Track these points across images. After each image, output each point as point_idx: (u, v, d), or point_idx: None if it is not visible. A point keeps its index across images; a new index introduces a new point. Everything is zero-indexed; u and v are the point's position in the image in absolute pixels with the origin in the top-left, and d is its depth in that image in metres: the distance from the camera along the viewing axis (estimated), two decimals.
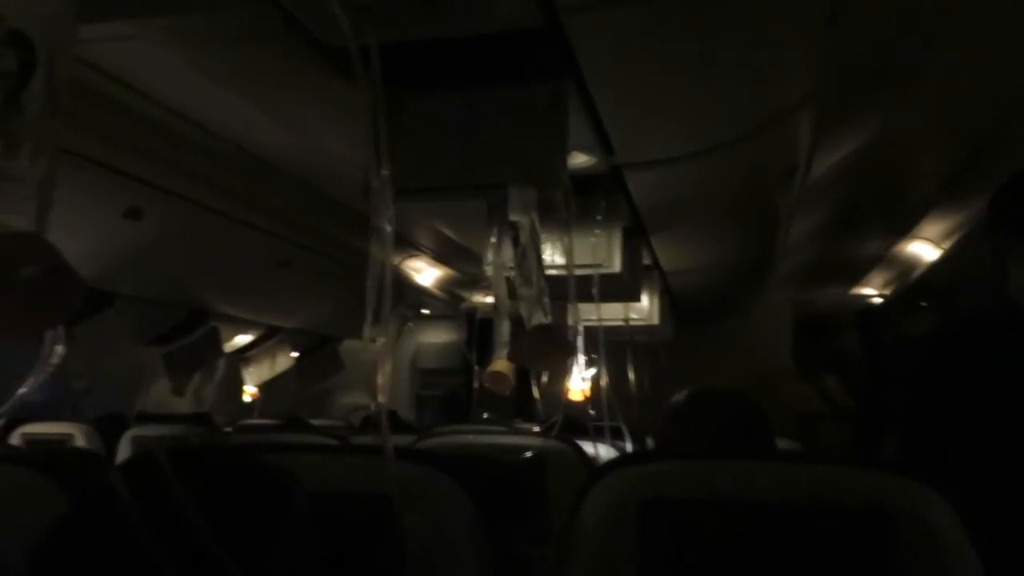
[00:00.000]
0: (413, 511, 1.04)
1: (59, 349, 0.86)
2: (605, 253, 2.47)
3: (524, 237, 1.56)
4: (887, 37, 1.97)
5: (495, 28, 1.41)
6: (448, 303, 5.11)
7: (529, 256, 1.56)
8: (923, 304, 5.81)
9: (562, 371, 2.07)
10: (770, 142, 2.16)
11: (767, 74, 1.75)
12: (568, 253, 1.77)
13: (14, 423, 3.34)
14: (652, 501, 1.17)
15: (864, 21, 1.75)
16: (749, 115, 1.96)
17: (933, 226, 4.16)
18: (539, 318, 1.57)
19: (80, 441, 3.33)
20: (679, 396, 1.62)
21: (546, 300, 1.59)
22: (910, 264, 4.95)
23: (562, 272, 2.43)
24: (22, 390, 0.88)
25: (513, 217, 1.56)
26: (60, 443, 3.27)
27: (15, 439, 3.33)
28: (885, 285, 5.84)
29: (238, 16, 1.36)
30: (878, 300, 6.16)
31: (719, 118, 1.95)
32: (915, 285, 5.20)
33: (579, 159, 2.06)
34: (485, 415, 2.71)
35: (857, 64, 1.99)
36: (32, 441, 3.33)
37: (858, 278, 5.75)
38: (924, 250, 4.59)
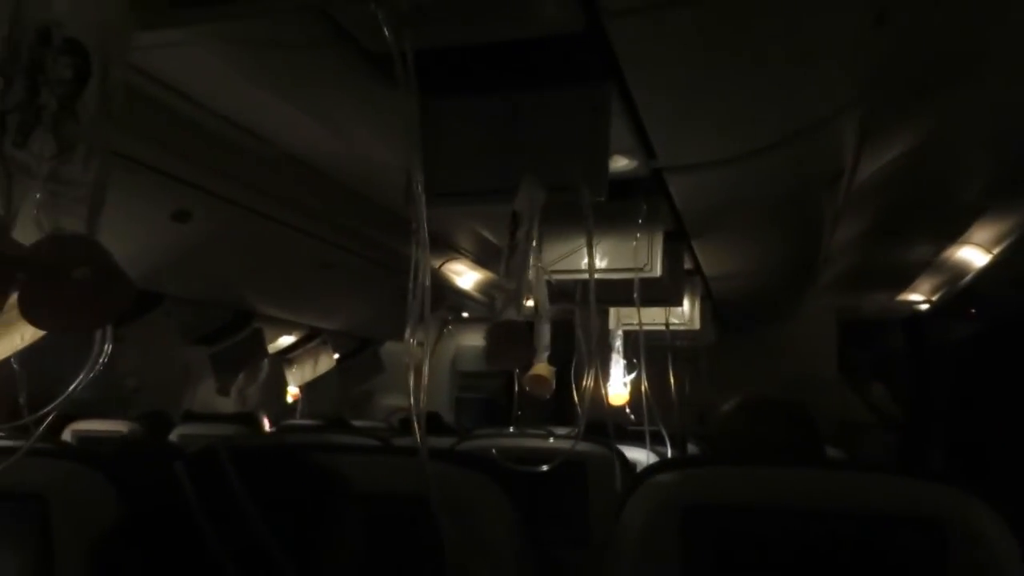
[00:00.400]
0: (453, 513, 1.05)
1: (107, 348, 0.88)
2: (646, 257, 2.45)
3: (521, 233, 1.54)
4: (937, 37, 1.93)
5: (538, 32, 1.41)
6: (488, 306, 5.11)
7: (519, 252, 1.54)
8: (972, 311, 5.68)
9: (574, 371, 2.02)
10: (815, 146, 2.13)
11: (812, 77, 1.72)
12: (589, 256, 1.77)
13: (65, 420, 3.43)
14: (695, 507, 1.16)
15: (913, 21, 1.71)
16: (794, 118, 1.93)
17: (983, 231, 4.07)
18: (511, 314, 1.54)
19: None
20: (731, 403, 1.61)
21: (524, 300, 1.56)
22: (959, 270, 4.84)
23: (603, 276, 2.43)
24: (72, 387, 0.91)
25: (516, 208, 1.54)
26: (110, 440, 3.35)
27: (66, 435, 3.42)
28: (933, 291, 5.72)
29: (286, 23, 1.38)
30: (926, 307, 6.04)
31: (763, 121, 1.93)
32: (964, 291, 5.09)
33: (620, 162, 2.05)
34: (511, 427, 2.71)
35: (905, 65, 1.96)
36: (83, 438, 3.42)
37: (905, 284, 5.64)
38: (974, 255, 4.49)
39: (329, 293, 3.91)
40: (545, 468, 1.63)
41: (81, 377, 0.88)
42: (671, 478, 1.23)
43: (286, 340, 4.79)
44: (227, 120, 2.07)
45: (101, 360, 0.88)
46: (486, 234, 3.16)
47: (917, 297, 5.94)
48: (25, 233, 0.78)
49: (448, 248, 3.66)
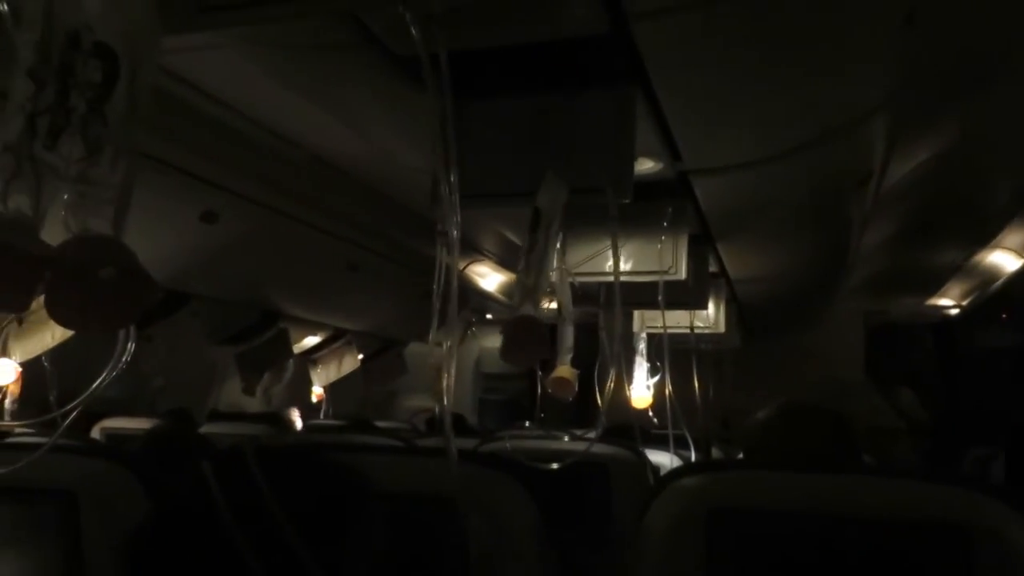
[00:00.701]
0: (477, 513, 1.05)
1: (130, 347, 0.89)
2: (671, 260, 2.44)
3: (541, 229, 1.53)
4: (967, 37, 1.91)
5: (563, 35, 1.41)
6: (512, 308, 5.10)
7: (537, 247, 1.53)
8: (1003, 316, 5.60)
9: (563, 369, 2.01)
10: (843, 148, 2.10)
11: (840, 78, 1.71)
12: (615, 258, 1.76)
13: (94, 417, 3.47)
14: (719, 510, 1.15)
15: (943, 20, 1.69)
16: (821, 120, 1.91)
17: (1015, 235, 4.01)
18: (527, 310, 1.53)
19: None
20: (767, 410, 1.60)
21: (540, 296, 1.56)
22: (990, 274, 4.77)
23: (628, 279, 2.42)
24: (95, 385, 0.92)
25: (538, 205, 1.54)
26: (138, 437, 3.38)
27: (95, 432, 3.46)
28: (963, 296, 5.64)
29: (314, 26, 1.39)
30: (955, 311, 5.95)
31: (790, 123, 1.91)
32: (995, 296, 5.02)
33: (645, 165, 2.05)
34: (527, 424, 2.70)
35: (935, 66, 1.93)
36: (111, 435, 3.46)
37: (935, 289, 5.56)
38: (1005, 260, 4.43)
39: (354, 294, 3.92)
40: (555, 466, 1.63)
41: (104, 375, 0.89)
42: (696, 481, 1.23)
43: (311, 340, 4.81)
44: (254, 122, 2.09)
45: (124, 359, 0.89)
46: (510, 236, 3.16)
47: (947, 302, 5.86)
48: (53, 233, 0.79)
49: (472, 250, 3.66)
